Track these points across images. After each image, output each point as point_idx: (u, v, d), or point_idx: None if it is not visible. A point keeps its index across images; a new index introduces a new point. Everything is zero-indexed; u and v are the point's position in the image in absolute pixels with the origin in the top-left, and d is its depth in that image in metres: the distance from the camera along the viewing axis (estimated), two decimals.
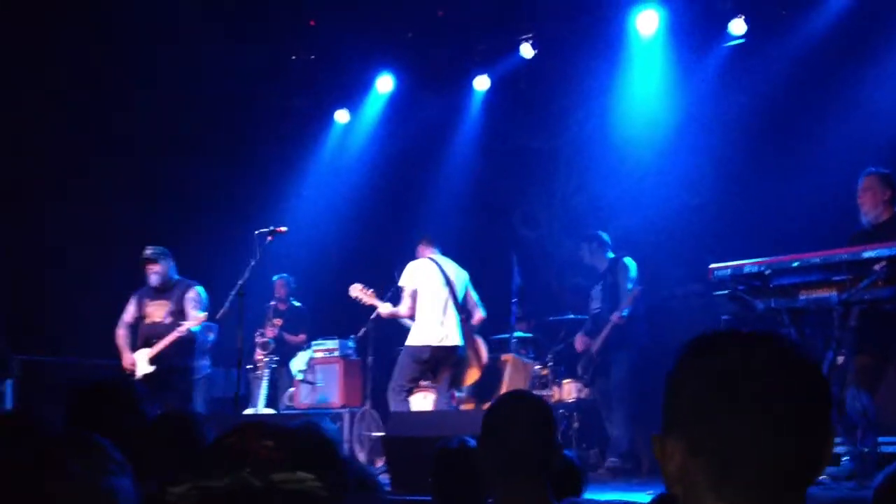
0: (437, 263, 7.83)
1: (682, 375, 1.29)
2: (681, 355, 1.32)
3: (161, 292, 7.87)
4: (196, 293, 7.85)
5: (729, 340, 1.29)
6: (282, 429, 1.31)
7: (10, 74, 9.20)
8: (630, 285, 7.88)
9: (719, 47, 9.29)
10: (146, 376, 7.58)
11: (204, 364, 10.11)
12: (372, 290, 8.09)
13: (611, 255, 8.20)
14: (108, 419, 2.73)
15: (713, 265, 5.84)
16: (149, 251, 7.87)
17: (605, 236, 8.32)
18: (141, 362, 7.71)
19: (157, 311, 7.85)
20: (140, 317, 7.91)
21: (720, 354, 1.27)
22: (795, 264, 5.44)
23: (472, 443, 3.31)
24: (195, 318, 7.67)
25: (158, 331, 7.74)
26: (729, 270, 5.72)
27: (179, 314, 7.75)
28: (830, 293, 5.31)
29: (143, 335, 7.83)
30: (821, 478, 5.35)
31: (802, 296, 5.44)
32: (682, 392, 1.28)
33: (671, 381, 1.31)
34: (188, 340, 7.80)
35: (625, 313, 7.75)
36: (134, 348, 7.83)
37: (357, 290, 8.09)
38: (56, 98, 9.58)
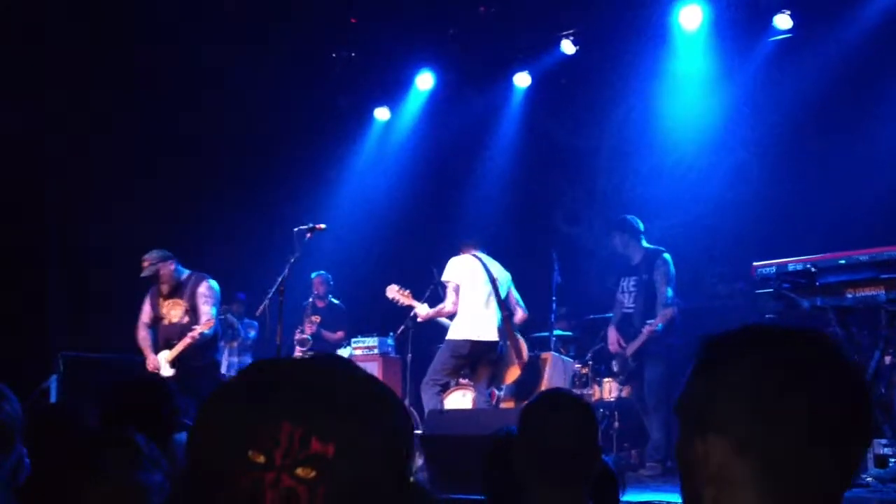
0: (480, 260, 7.79)
1: (725, 371, 1.23)
2: (720, 349, 1.25)
3: (173, 291, 7.71)
4: (207, 288, 7.63)
5: (784, 337, 1.24)
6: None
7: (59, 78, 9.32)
8: (669, 290, 7.55)
9: (764, 42, 9.16)
10: (169, 378, 7.50)
11: (245, 360, 10.22)
12: (408, 290, 8.06)
13: (645, 244, 7.82)
14: (143, 414, 2.75)
15: (757, 263, 5.74)
16: (143, 272, 7.60)
17: (638, 223, 7.84)
18: (163, 364, 7.60)
19: (173, 312, 7.68)
20: (157, 317, 7.76)
21: (777, 351, 1.22)
22: (842, 262, 5.34)
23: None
24: (206, 321, 7.47)
25: (176, 331, 7.58)
26: (773, 268, 5.63)
27: (194, 312, 7.59)
28: (878, 291, 5.20)
29: (162, 337, 7.70)
30: (867, 479, 5.24)
31: (849, 294, 5.34)
32: (733, 387, 1.21)
33: (708, 377, 1.24)
34: (205, 340, 7.61)
35: (659, 327, 7.44)
36: (157, 348, 7.70)
37: (393, 291, 8.05)
38: (95, 99, 9.68)
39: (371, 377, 1.09)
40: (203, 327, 7.45)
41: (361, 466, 0.99)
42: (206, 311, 7.56)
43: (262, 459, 0.96)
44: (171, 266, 7.66)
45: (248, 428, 0.99)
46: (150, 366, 7.64)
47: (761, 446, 1.18)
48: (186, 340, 7.43)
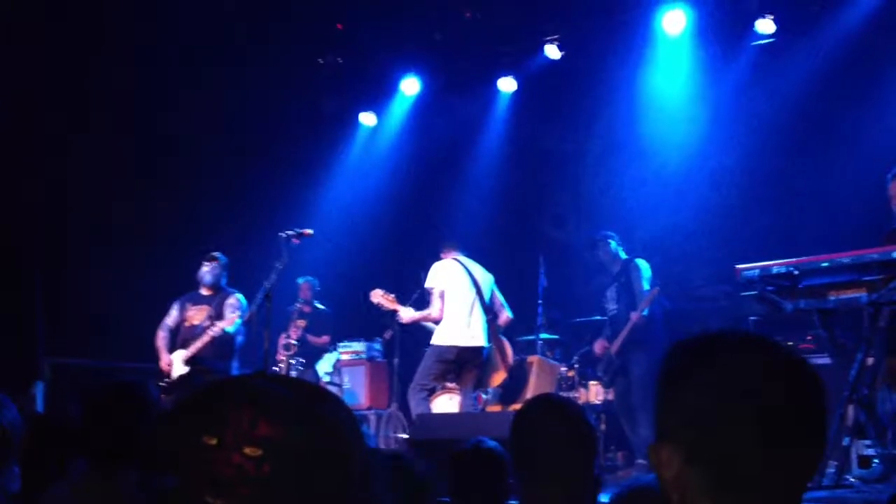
0: (462, 264, 7.81)
1: (677, 380, 1.26)
2: (675, 359, 1.28)
3: (204, 298, 7.96)
4: (236, 299, 7.92)
5: (726, 345, 1.26)
6: (276, 397, 1.10)
7: (50, 74, 9.29)
8: (646, 284, 7.81)
9: (747, 47, 9.23)
10: (181, 377, 7.64)
11: (233, 365, 10.19)
12: (393, 295, 8.06)
13: (623, 255, 8.12)
14: (122, 419, 2.74)
15: (740, 266, 5.78)
16: (214, 268, 8.04)
17: (615, 237, 8.20)
18: (177, 362, 7.76)
19: (197, 315, 7.91)
20: (181, 321, 8.00)
21: (718, 360, 1.24)
22: (825, 264, 5.37)
23: (489, 444, 3.29)
24: (229, 319, 7.69)
25: (196, 333, 7.79)
26: (757, 271, 5.66)
27: (218, 318, 7.79)
28: (860, 294, 5.24)
29: (181, 338, 7.90)
30: (851, 480, 5.28)
31: (832, 296, 5.37)
32: (679, 398, 1.25)
33: (666, 386, 1.28)
34: (225, 342, 7.78)
35: (645, 312, 7.66)
36: (172, 350, 7.89)
37: (378, 296, 8.05)
38: (90, 99, 9.66)
39: (318, 385, 1.16)
40: (225, 323, 7.64)
41: (306, 449, 1.06)
42: (230, 315, 7.77)
43: (214, 442, 1.05)
44: (225, 271, 8.10)
45: (203, 418, 1.08)
46: (162, 364, 7.81)
47: (710, 456, 1.20)
48: (208, 335, 7.62)
